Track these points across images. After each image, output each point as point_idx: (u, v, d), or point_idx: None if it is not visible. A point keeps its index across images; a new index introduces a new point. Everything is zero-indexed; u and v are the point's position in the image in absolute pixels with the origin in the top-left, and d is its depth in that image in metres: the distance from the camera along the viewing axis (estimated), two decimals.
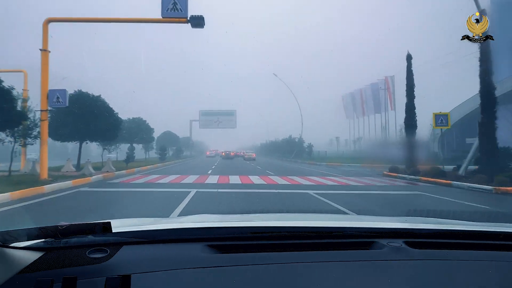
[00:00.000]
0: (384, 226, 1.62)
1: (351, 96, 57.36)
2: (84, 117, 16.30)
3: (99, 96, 17.61)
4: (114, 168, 18.15)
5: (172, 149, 54.18)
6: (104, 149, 21.98)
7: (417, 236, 1.39)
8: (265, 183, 13.35)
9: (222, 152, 53.81)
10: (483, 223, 1.79)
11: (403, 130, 33.40)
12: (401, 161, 18.84)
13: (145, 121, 31.42)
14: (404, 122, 19.52)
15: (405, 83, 19.65)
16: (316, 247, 1.27)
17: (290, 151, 49.85)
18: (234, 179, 14.92)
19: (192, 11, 12.14)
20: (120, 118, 19.58)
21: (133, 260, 1.11)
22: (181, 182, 13.53)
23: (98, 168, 18.14)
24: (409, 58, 19.44)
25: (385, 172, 18.67)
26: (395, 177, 17.04)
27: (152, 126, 33.34)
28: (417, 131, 18.94)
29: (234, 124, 62.76)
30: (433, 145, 27.91)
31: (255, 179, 14.76)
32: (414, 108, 18.98)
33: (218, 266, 1.10)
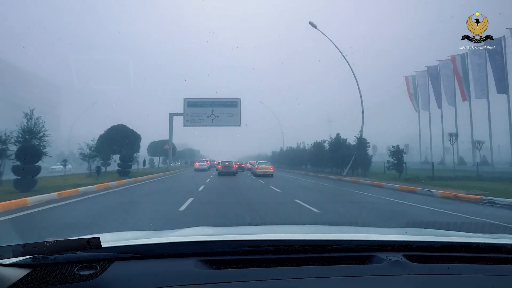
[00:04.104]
0: (383, 239, 1.54)
1: (431, 73, 35.37)
2: None
3: None
4: None
5: (137, 157, 32.23)
6: None
7: (418, 249, 1.35)
8: None
9: (219, 164, 31.16)
10: (485, 235, 1.78)
11: None
12: None
13: None
14: None
15: None
16: (314, 261, 1.23)
17: (337, 161, 27.91)
18: None
19: None
20: None
21: (123, 276, 1.08)
22: None
23: None
24: None
25: None
26: None
27: None
28: None
29: (238, 121, 40.54)
30: None
31: None
32: None
33: (211, 283, 1.06)
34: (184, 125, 40.41)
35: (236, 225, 6.18)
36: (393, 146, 20.97)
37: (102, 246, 1.05)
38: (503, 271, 1.21)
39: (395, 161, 20.42)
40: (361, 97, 27.04)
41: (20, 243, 0.98)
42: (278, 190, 14.81)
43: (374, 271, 1.15)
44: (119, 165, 21.22)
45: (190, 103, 40.74)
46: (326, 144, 32.29)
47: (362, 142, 26.05)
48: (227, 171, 28.75)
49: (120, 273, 1.08)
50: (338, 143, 28.60)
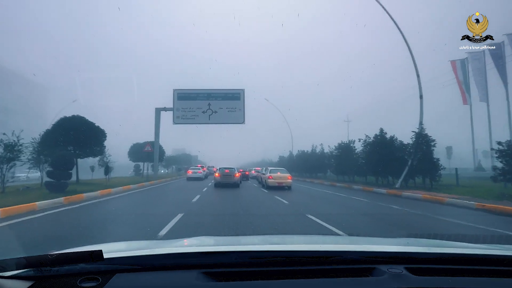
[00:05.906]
0: (384, 250, 1.48)
1: (493, 52, 27.34)
2: None
3: None
4: None
5: (108, 162, 24.06)
6: None
7: (419, 262, 1.32)
8: None
9: (217, 172, 22.52)
10: (488, 246, 1.77)
11: None
12: None
13: None
14: None
15: None
16: (315, 273, 1.20)
17: (383, 166, 19.81)
18: None
19: None
20: None
21: None
22: None
23: None
24: None
25: None
26: None
27: None
28: None
29: (241, 117, 32.36)
30: None
31: None
32: None
33: None
34: (174, 123, 32.24)
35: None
36: (500, 143, 12.75)
37: (104, 257, 1.03)
38: (504, 285, 1.18)
39: (507, 168, 12.19)
40: (418, 75, 18.88)
41: (23, 255, 0.96)
42: (335, 229, 6.61)
43: (375, 284, 1.13)
44: (49, 174, 13.02)
45: (182, 95, 32.66)
46: (360, 145, 24.03)
47: (424, 140, 17.82)
48: (227, 182, 20.62)
49: (122, 285, 1.07)
50: (383, 142, 20.35)
